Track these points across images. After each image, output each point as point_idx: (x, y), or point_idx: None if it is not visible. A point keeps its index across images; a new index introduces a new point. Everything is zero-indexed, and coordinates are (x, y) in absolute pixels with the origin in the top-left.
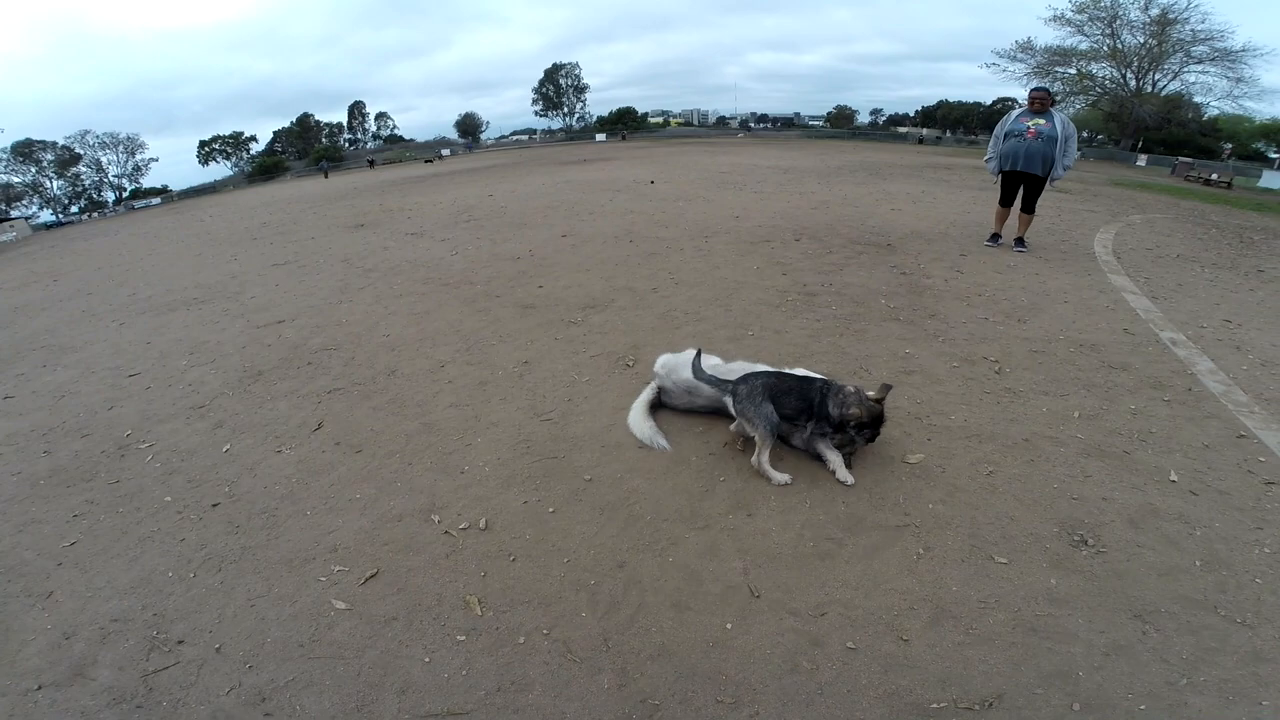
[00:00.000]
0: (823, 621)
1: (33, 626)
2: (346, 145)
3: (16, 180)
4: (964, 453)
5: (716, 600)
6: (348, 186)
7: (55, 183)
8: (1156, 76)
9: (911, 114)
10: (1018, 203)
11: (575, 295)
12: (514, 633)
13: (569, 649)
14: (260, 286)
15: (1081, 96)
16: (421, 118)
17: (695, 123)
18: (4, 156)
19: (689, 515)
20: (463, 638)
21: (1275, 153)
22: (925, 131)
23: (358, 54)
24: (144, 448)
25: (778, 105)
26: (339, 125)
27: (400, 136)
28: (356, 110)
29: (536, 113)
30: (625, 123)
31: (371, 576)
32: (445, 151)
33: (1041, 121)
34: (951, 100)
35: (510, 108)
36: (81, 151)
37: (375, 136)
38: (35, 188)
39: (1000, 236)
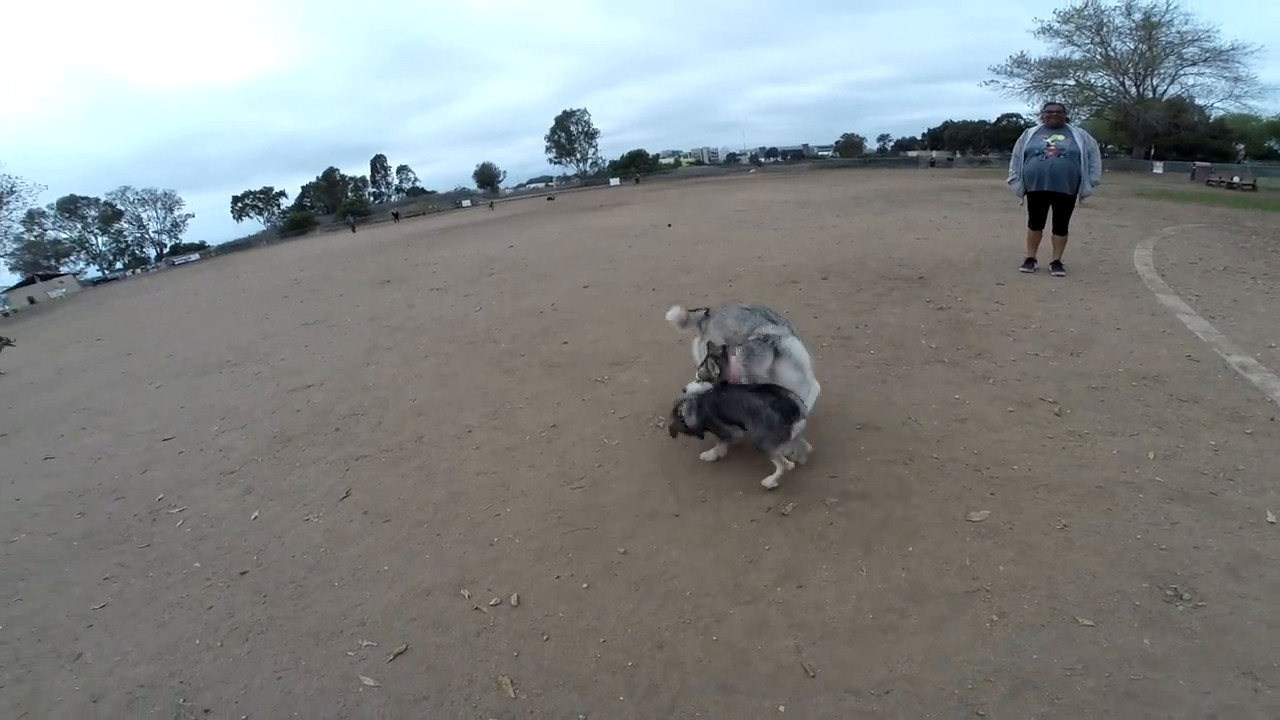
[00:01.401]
0: (887, 700)
1: (61, 688)
2: (371, 199)
3: (64, 236)
4: (1032, 506)
5: (767, 681)
6: (374, 241)
7: (100, 239)
8: (1155, 81)
9: (919, 137)
10: (1049, 224)
11: (601, 351)
12: (548, 717)
13: None
14: (291, 348)
15: (1085, 107)
16: (441, 169)
17: (706, 161)
18: (51, 213)
19: (733, 589)
20: None
21: None
22: (935, 154)
23: (377, 109)
24: (175, 512)
25: (785, 138)
26: (363, 179)
27: (422, 189)
28: (379, 164)
29: (550, 160)
30: (637, 165)
31: (400, 653)
32: (465, 203)
33: (1060, 137)
34: (956, 120)
35: (525, 156)
36: (123, 208)
37: (398, 189)
38: (81, 244)
39: (1035, 261)
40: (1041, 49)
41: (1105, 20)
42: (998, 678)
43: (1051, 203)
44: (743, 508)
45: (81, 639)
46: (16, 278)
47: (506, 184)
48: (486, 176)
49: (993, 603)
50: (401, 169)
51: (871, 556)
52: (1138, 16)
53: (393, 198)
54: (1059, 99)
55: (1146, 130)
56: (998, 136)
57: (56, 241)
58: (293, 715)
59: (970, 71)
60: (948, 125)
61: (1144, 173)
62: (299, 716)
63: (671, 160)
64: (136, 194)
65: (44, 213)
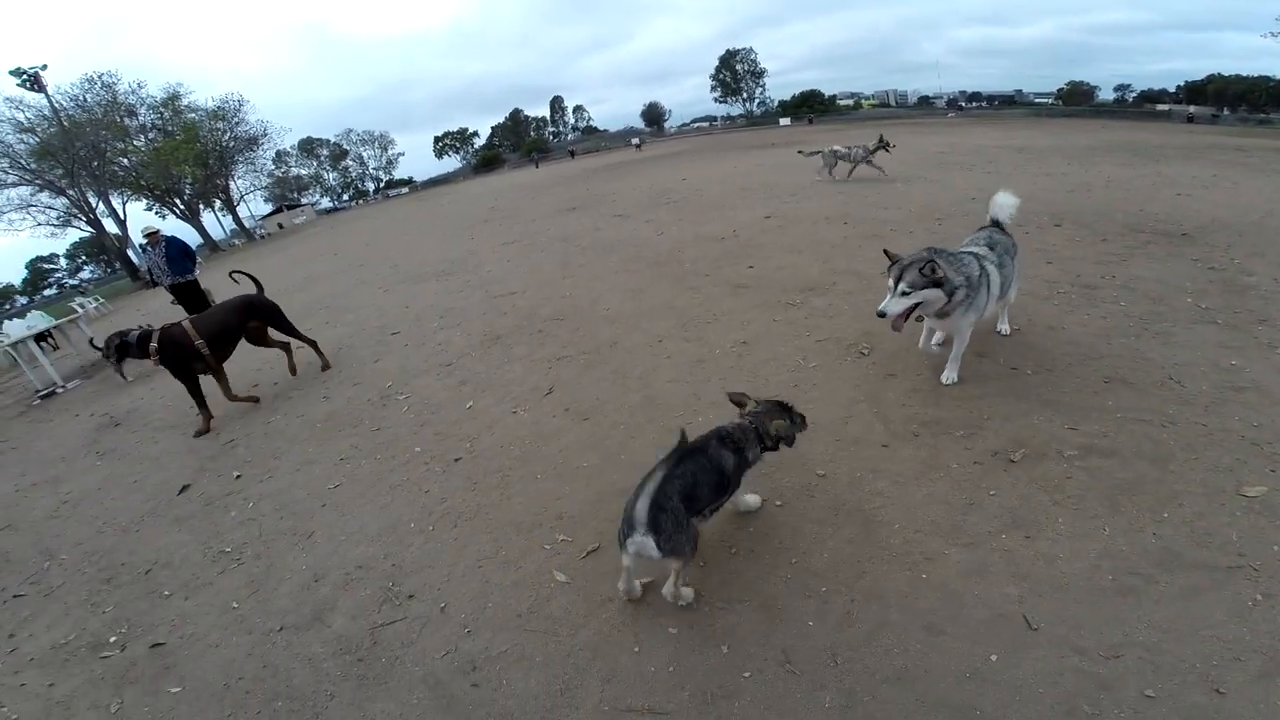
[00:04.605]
0: (1116, 664)
1: (292, 566)
2: (551, 138)
3: (304, 173)
4: None
5: (981, 627)
6: (556, 175)
7: (331, 174)
8: None
9: (1172, 89)
10: None
11: (789, 277)
12: (728, 633)
13: (788, 659)
14: (494, 262)
15: None
16: (610, 109)
17: (892, 104)
18: (294, 152)
19: (949, 529)
20: (674, 630)
21: None
22: (1194, 108)
23: (552, 51)
24: (401, 399)
25: (992, 83)
26: (543, 119)
27: (595, 127)
28: (557, 105)
29: (716, 99)
30: (811, 106)
31: (593, 551)
32: (635, 140)
33: None
34: (1226, 74)
35: (689, 95)
36: (347, 147)
37: (574, 128)
38: (316, 179)
39: None
40: None
41: None
42: (1249, 658)
43: None
44: (963, 447)
45: (316, 517)
46: (268, 208)
47: (672, 123)
48: (653, 115)
49: (1259, 582)
50: (577, 109)
51: (1117, 516)
52: None
53: (569, 136)
54: None
55: None
56: None
57: (298, 177)
58: (486, 605)
59: (1250, 21)
60: (1213, 79)
61: None
62: (492, 607)
63: (851, 102)
64: (358, 135)
65: (288, 152)
